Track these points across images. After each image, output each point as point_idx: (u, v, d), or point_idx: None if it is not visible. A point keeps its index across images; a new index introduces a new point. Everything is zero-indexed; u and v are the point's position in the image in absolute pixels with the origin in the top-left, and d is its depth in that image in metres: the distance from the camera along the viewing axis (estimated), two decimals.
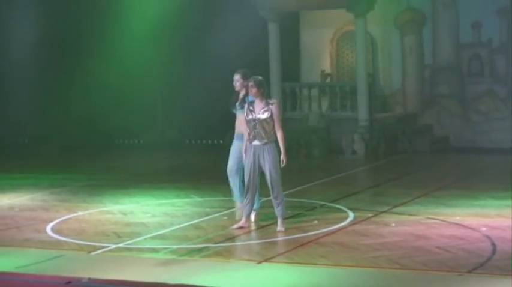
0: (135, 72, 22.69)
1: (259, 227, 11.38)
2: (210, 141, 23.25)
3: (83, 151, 22.62)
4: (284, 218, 11.23)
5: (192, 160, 20.65)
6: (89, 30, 23.00)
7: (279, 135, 11.08)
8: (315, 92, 21.97)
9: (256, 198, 11.35)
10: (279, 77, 21.75)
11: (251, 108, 11.08)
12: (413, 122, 21.94)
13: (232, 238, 10.80)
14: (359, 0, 20.75)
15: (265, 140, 11.01)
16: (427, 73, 22.28)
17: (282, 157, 11.07)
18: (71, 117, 23.37)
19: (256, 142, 11.05)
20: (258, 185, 11.21)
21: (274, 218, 11.34)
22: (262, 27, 21.65)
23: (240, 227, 11.24)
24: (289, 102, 22.07)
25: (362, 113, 20.87)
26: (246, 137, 11.16)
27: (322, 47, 23.17)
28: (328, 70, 23.16)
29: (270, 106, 11.05)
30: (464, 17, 21.55)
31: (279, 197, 11.15)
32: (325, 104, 21.86)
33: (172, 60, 22.69)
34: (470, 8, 21.35)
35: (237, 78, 11.58)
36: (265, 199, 12.08)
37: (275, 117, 11.04)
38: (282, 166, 11.07)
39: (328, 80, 23.00)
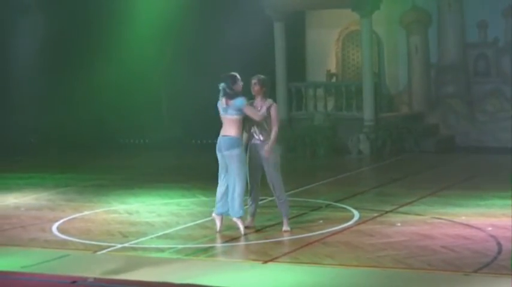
0: (140, 72, 22.72)
1: (264, 227, 11.38)
2: (215, 141, 23.20)
3: (89, 150, 22.64)
4: (289, 218, 11.23)
5: (198, 160, 20.64)
6: (95, 31, 23.02)
7: (273, 131, 11.00)
8: (320, 91, 21.97)
9: (224, 200, 11.06)
10: (285, 77, 21.76)
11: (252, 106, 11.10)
12: (419, 122, 21.91)
13: (237, 238, 10.80)
14: (365, 0, 20.74)
15: (264, 138, 11.01)
16: (433, 73, 22.27)
17: (267, 147, 10.96)
18: (76, 117, 23.39)
19: (255, 141, 11.08)
20: (259, 183, 11.19)
21: (279, 218, 11.33)
22: (267, 27, 21.65)
23: (245, 227, 11.23)
24: (295, 102, 22.06)
25: (368, 113, 20.86)
26: (245, 136, 11.16)
27: (328, 46, 23.16)
28: (333, 70, 23.17)
29: (270, 106, 11.06)
30: (470, 16, 21.53)
31: (282, 197, 11.16)
32: (330, 104, 21.86)
33: (177, 59, 22.69)
34: (476, 8, 21.34)
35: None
36: (271, 198, 12.07)
37: (273, 118, 11.03)
38: (266, 155, 10.96)
39: (334, 79, 23.00)
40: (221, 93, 10.99)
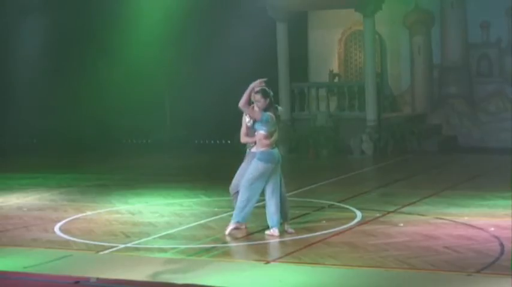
0: (143, 73, 22.75)
1: (266, 228, 11.35)
2: (218, 141, 23.28)
3: (91, 151, 22.66)
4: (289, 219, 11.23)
5: (201, 160, 20.66)
6: (98, 31, 23.05)
7: None
8: (323, 92, 21.98)
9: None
10: (288, 77, 21.75)
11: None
12: (422, 122, 21.92)
13: (240, 238, 10.80)
14: (367, 0, 20.74)
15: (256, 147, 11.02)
16: (436, 73, 22.27)
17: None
18: (79, 118, 23.43)
19: (252, 149, 11.07)
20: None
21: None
22: (270, 27, 21.66)
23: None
24: (298, 102, 22.06)
25: (370, 113, 20.86)
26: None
27: (331, 47, 23.17)
28: (336, 70, 23.17)
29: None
30: (472, 16, 21.54)
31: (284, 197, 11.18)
32: (333, 104, 21.87)
33: (180, 60, 22.72)
34: (478, 8, 21.34)
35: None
36: None
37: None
38: None
39: (337, 80, 23.00)
40: (272, 108, 10.84)
